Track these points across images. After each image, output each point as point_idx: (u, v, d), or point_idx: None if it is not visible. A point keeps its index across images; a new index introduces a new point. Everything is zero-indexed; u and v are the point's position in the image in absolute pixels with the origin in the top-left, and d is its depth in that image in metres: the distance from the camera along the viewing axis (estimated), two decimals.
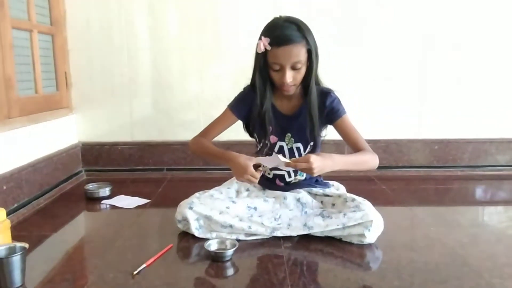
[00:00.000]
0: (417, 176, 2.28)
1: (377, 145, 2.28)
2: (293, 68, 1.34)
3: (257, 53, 1.38)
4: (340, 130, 1.48)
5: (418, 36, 2.22)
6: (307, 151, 1.51)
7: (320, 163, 1.25)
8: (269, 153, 1.51)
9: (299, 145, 1.50)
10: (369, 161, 1.39)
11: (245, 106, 1.49)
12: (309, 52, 1.35)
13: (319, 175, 1.57)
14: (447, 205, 1.87)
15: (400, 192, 2.01)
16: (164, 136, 2.29)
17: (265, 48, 1.33)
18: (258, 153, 1.59)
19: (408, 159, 2.30)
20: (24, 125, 1.77)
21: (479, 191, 2.09)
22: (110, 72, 2.24)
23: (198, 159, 2.29)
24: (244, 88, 1.51)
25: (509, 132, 2.29)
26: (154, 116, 2.29)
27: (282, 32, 1.32)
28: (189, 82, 2.26)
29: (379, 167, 2.24)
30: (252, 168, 1.30)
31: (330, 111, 1.45)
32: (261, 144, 1.54)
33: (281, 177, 1.55)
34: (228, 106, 1.52)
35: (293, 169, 1.44)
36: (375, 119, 2.28)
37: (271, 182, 1.56)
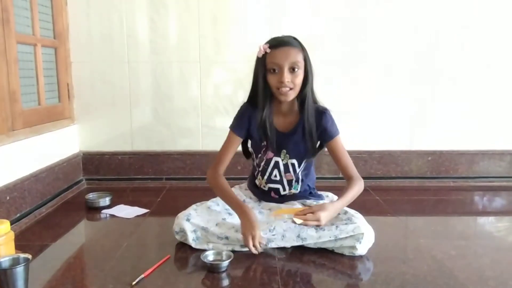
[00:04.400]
0: (411, 186, 2.33)
1: (372, 156, 2.34)
2: (291, 70, 1.40)
3: (256, 61, 1.45)
4: (331, 151, 1.53)
5: (411, 49, 2.27)
6: (301, 166, 1.56)
7: (327, 216, 1.40)
8: (264, 168, 1.56)
9: (294, 161, 1.54)
10: (360, 191, 1.51)
11: (244, 123, 1.52)
12: (306, 61, 1.42)
13: (314, 188, 1.64)
14: (439, 216, 1.91)
15: (393, 202, 2.05)
16: (164, 146, 2.34)
17: (265, 52, 1.41)
18: (254, 169, 1.64)
19: (402, 170, 2.35)
20: (27, 137, 1.82)
21: (471, 202, 2.13)
22: (111, 83, 2.29)
23: (197, 169, 2.34)
24: (241, 106, 1.55)
25: (501, 144, 2.34)
26: (154, 126, 2.34)
27: (281, 38, 1.44)
28: (188, 93, 2.31)
29: (373, 178, 2.34)
30: (260, 233, 1.37)
31: (324, 130, 1.50)
32: (258, 159, 1.58)
33: (276, 190, 1.59)
34: (230, 127, 1.56)
35: (288, 180, 1.54)
36: (369, 131, 2.33)
37: (266, 194, 1.61)
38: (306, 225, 1.39)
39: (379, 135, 2.34)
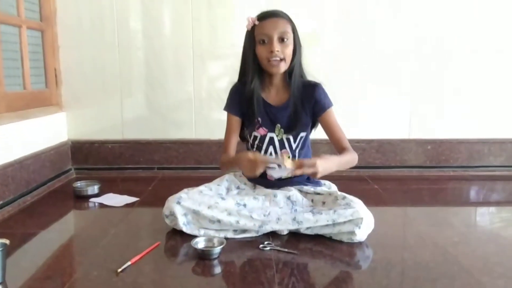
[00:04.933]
0: (410, 176, 2.26)
1: (370, 145, 2.28)
2: (280, 40, 1.39)
3: (245, 35, 1.45)
4: (324, 124, 1.51)
5: (411, 37, 2.21)
6: (297, 142, 1.51)
7: (325, 166, 1.30)
8: (259, 145, 1.51)
9: (290, 136, 1.50)
10: (354, 160, 1.46)
11: (235, 100, 1.52)
12: (294, 33, 1.42)
13: None
14: (439, 205, 1.85)
15: (393, 192, 1.99)
16: (156, 134, 2.27)
17: (254, 24, 1.41)
18: (250, 148, 1.59)
19: (401, 159, 2.29)
20: (11, 121, 1.74)
21: (471, 192, 2.08)
22: (101, 69, 2.21)
23: (190, 158, 2.27)
24: (232, 86, 1.54)
25: (501, 133, 2.28)
26: (146, 114, 2.27)
27: (269, 10, 1.44)
28: (182, 80, 2.23)
29: (371, 167, 2.28)
30: (261, 157, 1.34)
31: (316, 103, 1.48)
32: (252, 138, 1.53)
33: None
34: (224, 109, 1.55)
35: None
36: (368, 119, 2.27)
37: (262, 177, 1.54)
38: (302, 173, 1.30)
39: (378, 123, 2.28)
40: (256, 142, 1.53)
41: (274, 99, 1.50)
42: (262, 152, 1.52)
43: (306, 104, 1.48)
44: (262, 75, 1.48)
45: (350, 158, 1.44)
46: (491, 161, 2.29)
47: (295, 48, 1.43)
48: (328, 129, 1.50)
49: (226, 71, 2.21)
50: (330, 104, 1.50)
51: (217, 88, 2.22)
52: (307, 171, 1.29)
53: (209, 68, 2.23)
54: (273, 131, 1.51)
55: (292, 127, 1.48)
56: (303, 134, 1.51)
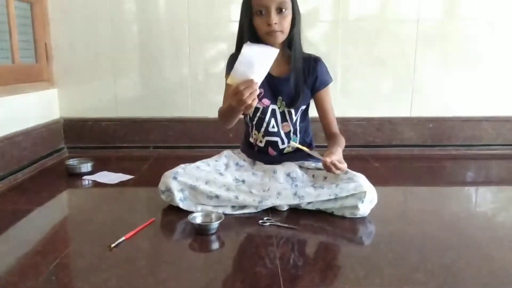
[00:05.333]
0: (411, 155, 2.22)
1: (371, 123, 2.22)
2: (278, 10, 1.31)
3: (242, 5, 1.37)
4: (320, 101, 1.47)
5: (414, 14, 2.13)
6: (298, 115, 1.47)
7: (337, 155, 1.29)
8: (261, 117, 1.46)
9: (291, 109, 1.45)
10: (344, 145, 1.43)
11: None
12: (293, 1, 1.34)
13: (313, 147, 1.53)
14: (442, 184, 1.80)
15: (394, 170, 1.94)
16: (151, 112, 2.20)
17: None
18: (247, 127, 1.53)
19: (402, 138, 2.24)
20: (0, 95, 1.66)
21: (474, 170, 2.03)
22: (93, 45, 2.13)
23: (186, 137, 2.20)
24: (229, 57, 1.46)
25: (505, 110, 2.23)
26: (140, 91, 2.20)
27: None
28: (177, 55, 2.15)
29: (372, 146, 2.23)
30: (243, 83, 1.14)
31: (319, 77, 1.43)
32: (253, 111, 1.47)
33: (274, 144, 1.48)
34: (226, 76, 1.45)
35: (286, 132, 1.47)
36: (368, 96, 2.20)
37: (262, 152, 1.49)
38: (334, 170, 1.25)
39: (378, 101, 2.22)
40: (258, 114, 1.46)
41: (275, 70, 1.42)
42: (264, 125, 1.46)
43: (308, 77, 1.43)
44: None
45: (343, 143, 1.42)
46: (494, 139, 2.24)
47: (294, 17, 1.36)
48: (321, 106, 1.46)
49: (223, 47, 2.13)
50: (330, 80, 1.46)
51: (215, 63, 2.15)
52: (341, 167, 1.26)
53: (206, 44, 2.15)
54: (275, 103, 1.45)
55: (294, 100, 1.43)
56: (303, 107, 1.46)
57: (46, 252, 1.09)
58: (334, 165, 1.24)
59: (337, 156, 1.28)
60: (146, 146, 2.21)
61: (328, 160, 1.24)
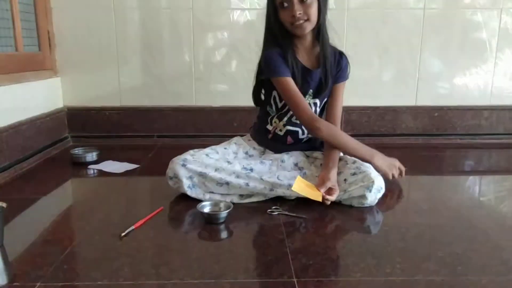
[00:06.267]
0: (416, 144, 2.21)
1: (376, 112, 2.22)
2: (301, 1, 1.30)
3: (267, 3, 1.38)
4: (334, 94, 1.48)
5: (419, 3, 2.11)
6: (321, 106, 1.49)
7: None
8: (288, 108, 1.45)
9: (316, 100, 1.47)
10: None
11: (283, 63, 1.38)
12: None
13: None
14: (448, 173, 1.80)
15: (399, 160, 1.92)
16: (155, 101, 2.19)
17: None
18: (266, 115, 1.52)
19: (407, 127, 2.23)
20: (3, 84, 1.65)
21: (479, 159, 2.03)
22: (97, 33, 2.10)
23: (190, 126, 2.20)
24: (266, 54, 1.39)
25: (510, 100, 2.22)
26: (144, 79, 2.18)
27: None
28: (181, 43, 2.13)
29: (377, 135, 2.22)
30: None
31: (341, 71, 1.46)
32: (279, 101, 1.47)
33: (294, 134, 1.48)
34: (280, 75, 1.37)
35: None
36: (373, 85, 2.19)
37: (279, 141, 1.49)
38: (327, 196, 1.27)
39: (383, 90, 2.21)
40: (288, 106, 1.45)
41: (307, 62, 1.43)
42: (288, 115, 1.46)
43: (334, 69, 1.45)
44: (291, 38, 1.40)
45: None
46: (499, 128, 2.24)
47: (319, 5, 1.33)
48: (333, 99, 1.48)
49: (226, 35, 2.11)
50: (348, 77, 1.49)
51: (219, 52, 2.13)
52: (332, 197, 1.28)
53: (210, 33, 2.13)
54: (305, 95, 1.44)
55: (320, 91, 1.44)
56: (326, 98, 1.49)
57: (56, 241, 1.09)
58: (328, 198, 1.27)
59: (331, 182, 1.29)
60: (150, 135, 2.21)
61: (323, 191, 1.27)
